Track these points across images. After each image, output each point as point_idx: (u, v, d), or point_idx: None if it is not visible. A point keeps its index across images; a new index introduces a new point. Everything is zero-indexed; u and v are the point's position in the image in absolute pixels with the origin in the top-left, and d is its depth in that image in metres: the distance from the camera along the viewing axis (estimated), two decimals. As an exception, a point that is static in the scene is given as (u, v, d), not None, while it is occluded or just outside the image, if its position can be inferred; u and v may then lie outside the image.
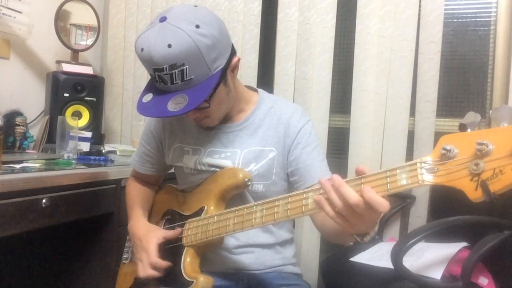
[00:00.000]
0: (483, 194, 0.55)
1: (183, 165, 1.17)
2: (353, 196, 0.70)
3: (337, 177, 0.74)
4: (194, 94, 0.95)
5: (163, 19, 0.95)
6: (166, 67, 0.93)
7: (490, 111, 0.55)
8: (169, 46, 0.91)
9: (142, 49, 0.95)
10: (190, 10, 0.98)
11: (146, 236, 1.09)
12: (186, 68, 0.93)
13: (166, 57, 0.92)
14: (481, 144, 0.55)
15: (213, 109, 1.04)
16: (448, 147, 0.59)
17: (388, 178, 0.69)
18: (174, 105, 0.94)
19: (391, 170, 0.69)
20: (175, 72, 0.93)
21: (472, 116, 0.59)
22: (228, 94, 1.07)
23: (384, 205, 0.68)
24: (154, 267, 1.03)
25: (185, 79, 0.95)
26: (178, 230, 1.08)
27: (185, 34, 0.92)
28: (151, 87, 1.03)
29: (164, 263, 1.03)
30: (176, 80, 0.95)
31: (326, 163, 1.14)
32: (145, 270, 1.04)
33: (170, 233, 1.09)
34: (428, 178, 0.64)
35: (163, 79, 0.96)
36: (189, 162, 1.16)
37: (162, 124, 1.21)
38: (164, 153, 1.23)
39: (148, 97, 1.01)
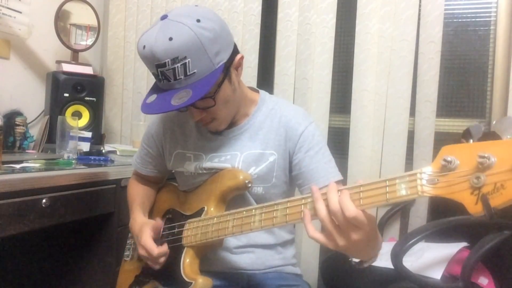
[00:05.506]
0: (483, 208, 0.54)
1: (184, 170, 1.17)
2: (334, 203, 0.71)
3: (331, 184, 0.75)
4: (197, 87, 0.93)
5: (164, 17, 0.96)
6: (168, 61, 0.91)
7: (494, 122, 0.55)
8: (170, 39, 0.91)
9: (144, 47, 0.94)
10: (191, 8, 0.98)
11: (141, 232, 1.09)
12: (189, 61, 0.92)
13: (167, 50, 0.91)
14: (483, 157, 0.54)
15: (219, 108, 1.03)
16: (449, 159, 0.58)
17: (387, 187, 0.68)
18: (177, 99, 0.92)
19: (391, 179, 0.68)
20: (177, 66, 0.92)
21: (476, 127, 0.58)
22: (234, 92, 1.05)
23: (352, 210, 0.69)
24: (160, 257, 1.03)
25: (188, 73, 0.93)
26: (158, 221, 1.08)
27: (186, 27, 0.92)
28: (155, 89, 1.01)
29: (165, 249, 1.03)
30: (179, 75, 0.93)
31: (334, 164, 1.11)
32: (154, 264, 1.04)
33: (153, 223, 1.08)
34: (428, 190, 0.62)
35: (166, 75, 0.94)
36: (189, 167, 1.15)
37: (163, 129, 1.21)
38: (165, 157, 1.22)
39: (152, 98, 0.99)
